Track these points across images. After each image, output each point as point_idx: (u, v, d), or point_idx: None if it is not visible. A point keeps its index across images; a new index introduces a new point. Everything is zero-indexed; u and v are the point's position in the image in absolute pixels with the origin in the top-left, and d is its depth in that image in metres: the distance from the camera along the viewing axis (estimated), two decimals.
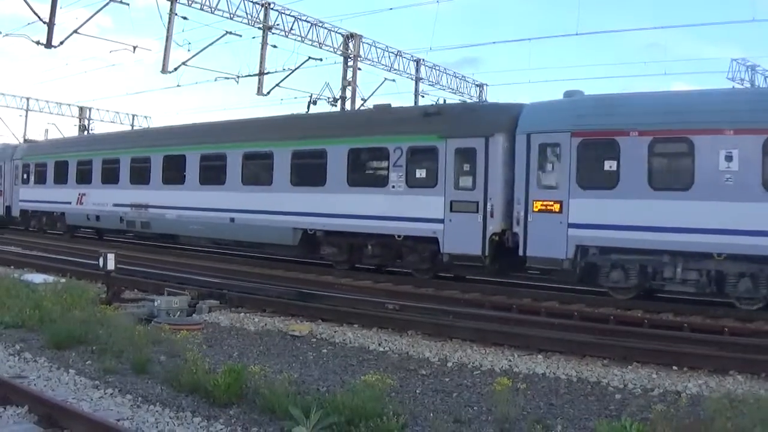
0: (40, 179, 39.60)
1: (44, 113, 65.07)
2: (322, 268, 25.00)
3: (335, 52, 42.03)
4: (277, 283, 20.99)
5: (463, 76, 52.73)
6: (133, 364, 10.77)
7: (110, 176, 33.79)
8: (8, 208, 42.80)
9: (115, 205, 32.84)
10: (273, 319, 15.56)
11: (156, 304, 15.39)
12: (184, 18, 33.99)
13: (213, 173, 28.30)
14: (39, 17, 29.67)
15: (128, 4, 32.68)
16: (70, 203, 36.33)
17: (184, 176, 29.33)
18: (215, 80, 38.56)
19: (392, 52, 45.89)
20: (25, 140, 45.77)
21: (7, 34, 35.64)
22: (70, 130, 63.00)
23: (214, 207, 27.52)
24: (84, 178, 35.66)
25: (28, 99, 64.16)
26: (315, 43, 40.32)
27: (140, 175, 31.83)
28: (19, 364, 10.92)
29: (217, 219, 27.50)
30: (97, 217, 34.51)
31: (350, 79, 42.65)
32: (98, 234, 37.79)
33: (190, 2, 33.87)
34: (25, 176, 40.91)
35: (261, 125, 28.55)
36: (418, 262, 22.44)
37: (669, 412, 7.91)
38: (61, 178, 37.64)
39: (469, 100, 49.46)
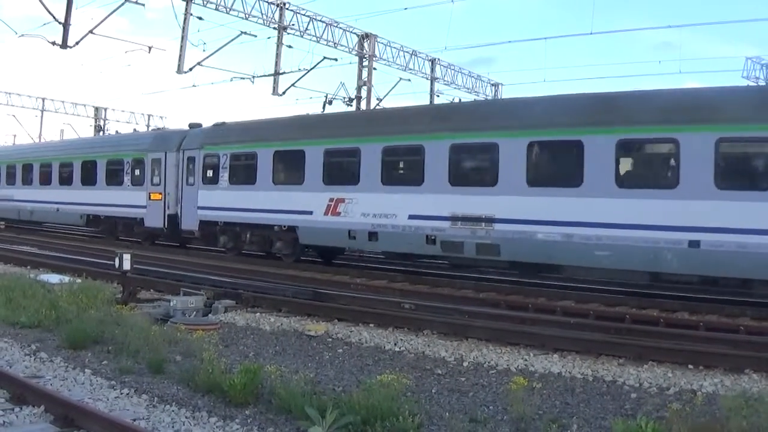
0: (242, 177, 27.91)
1: (59, 113, 65.83)
2: (337, 267, 24.93)
3: (350, 52, 42.16)
4: (292, 282, 20.98)
5: (478, 76, 52.76)
6: (149, 364, 10.80)
7: (403, 173, 23.41)
8: (173, 218, 31.11)
9: (415, 217, 22.00)
10: (289, 319, 15.57)
11: (172, 304, 15.44)
12: (200, 18, 34.23)
13: (650, 169, 18.98)
14: (54, 18, 29.82)
15: (143, 5, 32.86)
16: (310, 213, 24.89)
17: (582, 173, 18.86)
18: (231, 80, 38.82)
19: (407, 52, 45.95)
20: (191, 125, 33.42)
21: (22, 35, 35.50)
22: (86, 131, 63.32)
23: (654, 223, 17.63)
24: (342, 175, 24.61)
25: (43, 99, 64.90)
26: (330, 43, 40.47)
27: (473, 172, 21.59)
28: (35, 364, 10.96)
29: (664, 242, 17.47)
30: (372, 235, 23.14)
31: (365, 79, 42.69)
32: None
33: (205, 2, 34.05)
34: (209, 173, 29.09)
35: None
36: None
37: (685, 410, 7.87)
38: (288, 175, 26.47)
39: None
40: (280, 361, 11.63)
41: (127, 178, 33.51)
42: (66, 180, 37.86)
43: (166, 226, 31.29)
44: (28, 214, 40.83)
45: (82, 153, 37.59)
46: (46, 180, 39.51)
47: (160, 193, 31.33)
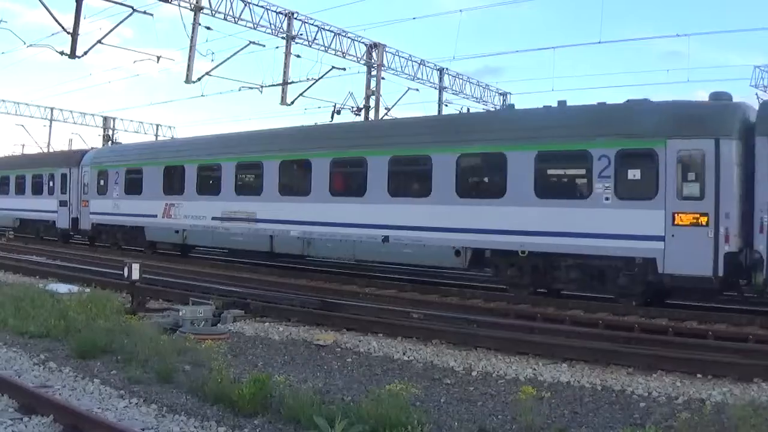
0: None
1: (68, 123, 65.88)
2: (347, 276, 24.92)
3: (359, 62, 42.09)
4: (301, 292, 20.95)
5: (486, 85, 52.67)
6: (158, 373, 10.81)
7: None
8: (735, 261, 17.14)
9: None
10: (297, 329, 15.57)
11: (181, 313, 15.45)
12: (208, 28, 34.15)
13: None
14: (63, 27, 29.79)
15: (152, 15, 32.82)
16: None
17: None
18: (239, 90, 38.70)
19: (415, 62, 45.87)
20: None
21: (31, 45, 35.34)
22: (95, 141, 63.27)
23: None
24: None
25: (52, 109, 64.89)
26: (338, 53, 40.40)
27: None
28: (44, 374, 10.99)
29: None
30: None
31: (374, 89, 42.62)
32: None
33: (213, 12, 34.04)
34: None
35: None
36: None
37: (693, 420, 7.86)
38: None
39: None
40: (289, 370, 11.64)
41: (601, 185, 18.68)
42: (406, 188, 23.31)
43: (720, 272, 16.89)
44: (300, 244, 25.78)
45: (451, 142, 22.02)
46: (347, 187, 24.99)
47: (705, 215, 17.15)
